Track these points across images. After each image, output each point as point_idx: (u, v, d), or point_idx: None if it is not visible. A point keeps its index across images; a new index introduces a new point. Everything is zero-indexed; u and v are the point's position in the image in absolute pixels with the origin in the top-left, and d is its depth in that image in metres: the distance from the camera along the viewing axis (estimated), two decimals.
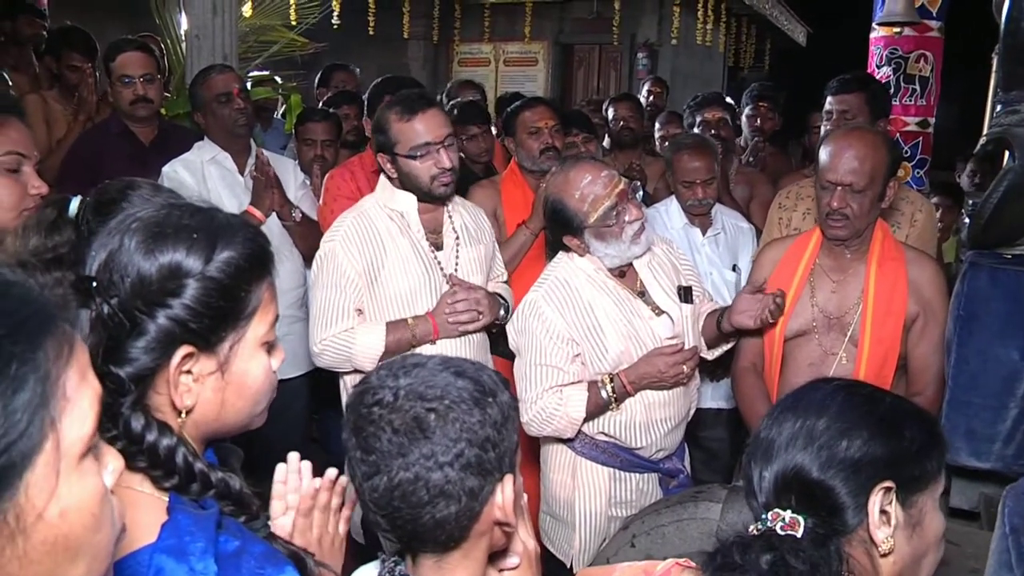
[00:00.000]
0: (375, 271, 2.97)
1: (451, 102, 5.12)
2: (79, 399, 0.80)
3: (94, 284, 1.22)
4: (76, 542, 0.79)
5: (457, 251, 3.11)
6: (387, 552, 1.41)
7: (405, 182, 2.98)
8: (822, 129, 3.91)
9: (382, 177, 3.09)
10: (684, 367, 2.76)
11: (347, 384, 3.10)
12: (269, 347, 1.36)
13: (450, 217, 3.14)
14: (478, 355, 3.11)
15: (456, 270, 3.09)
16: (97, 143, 4.02)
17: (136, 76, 3.94)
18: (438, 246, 3.09)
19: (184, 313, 1.23)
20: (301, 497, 1.52)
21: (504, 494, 1.32)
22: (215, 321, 1.26)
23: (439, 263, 3.06)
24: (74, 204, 1.44)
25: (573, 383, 2.77)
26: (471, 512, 1.29)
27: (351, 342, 2.95)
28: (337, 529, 1.56)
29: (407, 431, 1.26)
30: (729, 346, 3.08)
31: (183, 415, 1.27)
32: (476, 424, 1.28)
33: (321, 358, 3.02)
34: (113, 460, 0.88)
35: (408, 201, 3.02)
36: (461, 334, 3.05)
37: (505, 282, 3.36)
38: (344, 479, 1.55)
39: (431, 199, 3.02)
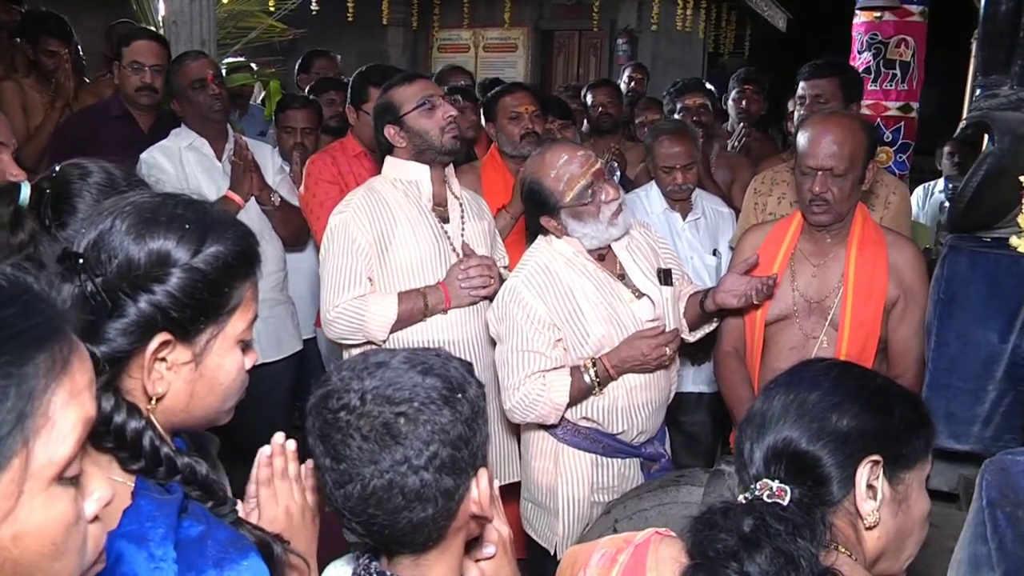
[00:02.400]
0: (386, 240, 3.00)
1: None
2: (61, 420, 0.77)
3: (81, 261, 1.22)
4: (27, 569, 0.75)
5: (463, 225, 3.16)
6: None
7: (417, 143, 3.05)
8: (796, 114, 3.91)
9: (388, 158, 3.13)
10: (667, 349, 2.76)
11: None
12: (244, 346, 1.37)
13: (451, 189, 3.18)
14: None
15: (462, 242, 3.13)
16: (95, 123, 4.06)
17: (147, 64, 4.02)
18: (444, 219, 3.13)
19: (166, 300, 1.23)
20: (258, 465, 1.46)
21: (480, 489, 1.30)
22: (196, 312, 1.27)
23: (447, 235, 3.10)
24: (24, 192, 1.42)
25: (555, 368, 2.76)
26: (448, 512, 1.27)
27: (364, 310, 2.96)
28: (305, 498, 1.50)
29: (377, 437, 1.22)
30: (711, 328, 3.08)
31: (153, 402, 1.27)
32: (448, 424, 1.24)
33: (333, 326, 3.00)
34: (101, 488, 0.85)
35: (420, 170, 3.08)
36: (473, 302, 3.06)
37: (505, 267, 3.35)
38: (294, 444, 1.50)
39: (444, 154, 3.08)
